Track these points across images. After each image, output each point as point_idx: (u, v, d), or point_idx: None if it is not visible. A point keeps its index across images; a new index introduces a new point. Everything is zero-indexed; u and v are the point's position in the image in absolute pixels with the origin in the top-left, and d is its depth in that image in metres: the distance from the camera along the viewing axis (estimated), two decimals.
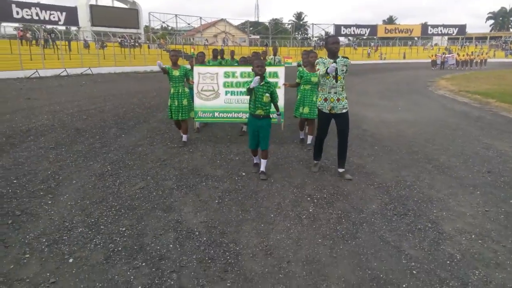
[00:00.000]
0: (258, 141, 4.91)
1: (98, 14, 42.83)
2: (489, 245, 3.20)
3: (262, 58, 8.80)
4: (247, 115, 5.19)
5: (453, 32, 68.38)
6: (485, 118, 9.70)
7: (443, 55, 33.54)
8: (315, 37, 67.78)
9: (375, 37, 66.90)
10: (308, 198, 4.22)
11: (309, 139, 6.55)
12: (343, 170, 4.98)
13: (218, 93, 7.11)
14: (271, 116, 4.99)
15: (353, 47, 63.66)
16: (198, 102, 7.12)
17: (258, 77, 4.56)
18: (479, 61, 35.15)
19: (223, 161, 5.68)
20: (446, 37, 70.75)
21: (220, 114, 7.17)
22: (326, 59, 4.72)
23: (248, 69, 6.91)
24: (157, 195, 4.28)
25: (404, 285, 2.64)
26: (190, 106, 6.78)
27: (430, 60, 35.44)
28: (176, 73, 6.44)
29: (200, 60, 8.11)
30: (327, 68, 4.42)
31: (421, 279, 2.70)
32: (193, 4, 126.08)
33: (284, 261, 2.93)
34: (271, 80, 6.22)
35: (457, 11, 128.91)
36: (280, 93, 6.66)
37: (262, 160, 4.98)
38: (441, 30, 68.95)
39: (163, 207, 3.96)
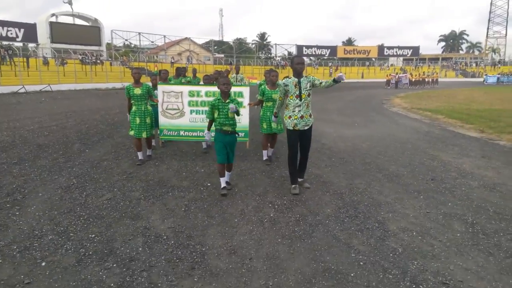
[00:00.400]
0: (226, 156, 4.96)
1: (58, 31, 41.95)
2: (427, 240, 3.63)
3: (226, 76, 9.08)
4: (213, 133, 5.16)
5: (408, 53, 72.55)
6: (433, 133, 10.51)
7: (397, 75, 35.54)
8: (278, 56, 69.57)
9: (335, 58, 69.57)
10: (270, 205, 4.54)
11: (270, 151, 6.89)
12: (302, 179, 5.27)
13: (183, 112, 7.20)
14: (237, 133, 5.14)
15: (314, 66, 65.85)
16: (163, 120, 7.19)
17: (209, 134, 5.03)
18: (431, 80, 37.54)
19: (188, 173, 5.91)
20: (401, 58, 74.76)
21: (185, 132, 7.28)
22: (290, 78, 4.94)
23: (213, 88, 7.09)
24: (124, 205, 4.44)
25: (352, 274, 2.99)
26: (153, 124, 6.78)
27: (385, 80, 37.45)
28: (138, 91, 6.38)
29: (164, 77, 8.20)
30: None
31: (367, 269, 3.07)
32: (158, 22, 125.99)
33: (246, 258, 3.21)
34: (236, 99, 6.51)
35: (411, 33, 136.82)
36: (245, 112, 6.95)
37: (227, 172, 5.10)
38: (396, 52, 72.95)
39: (131, 215, 4.14)
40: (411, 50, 72.07)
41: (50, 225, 3.81)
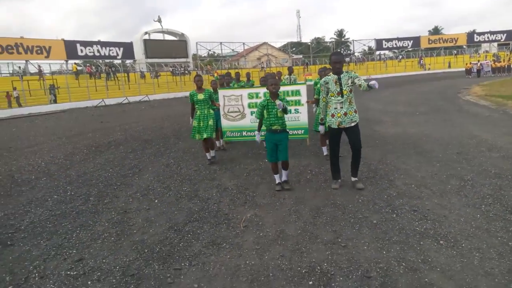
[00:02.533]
0: (276, 154, 5.01)
1: (151, 47, 47.34)
2: (421, 190, 4.81)
3: (276, 77, 9.36)
4: (263, 132, 5.21)
5: (501, 38, 66.45)
6: (492, 117, 10.84)
7: (479, 63, 33.51)
8: (358, 52, 68.79)
9: (418, 48, 66.52)
10: (308, 171, 6.00)
11: (324, 149, 6.81)
12: (356, 179, 5.07)
13: (244, 113, 7.61)
14: (287, 130, 5.08)
15: (397, 59, 63.89)
16: (225, 123, 7.67)
17: (259, 135, 5.11)
18: None
19: (253, 154, 7.60)
20: (495, 43, 68.58)
21: (247, 133, 7.69)
22: (329, 75, 4.86)
23: None
24: (205, 173, 6.29)
25: (350, 206, 4.36)
26: (215, 126, 7.03)
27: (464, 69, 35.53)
28: (200, 96, 6.72)
29: (226, 81, 8.90)
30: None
31: (363, 203, 4.39)
32: (238, 30, 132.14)
33: (281, 198, 4.76)
34: (293, 98, 7.25)
35: (509, 15, 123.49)
36: (304, 110, 7.27)
37: (283, 170, 5.13)
38: (488, 37, 67.32)
39: (210, 178, 5.96)
40: (505, 35, 66.00)
41: (158, 183, 5.80)
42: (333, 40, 77.48)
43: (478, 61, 36.71)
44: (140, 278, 3.04)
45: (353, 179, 5.09)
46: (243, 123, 7.69)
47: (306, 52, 66.75)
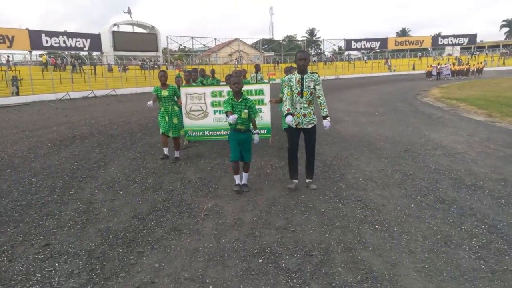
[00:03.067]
0: (239, 154, 4.96)
1: (120, 40, 46.31)
2: (367, 183, 5.30)
3: (242, 76, 9.07)
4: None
5: (464, 42, 69.55)
6: (443, 118, 11.67)
7: (439, 66, 35.25)
8: (328, 52, 70.13)
9: (385, 50, 68.62)
10: (269, 165, 6.40)
11: None
12: (310, 180, 5.14)
13: (207, 112, 7.51)
14: (251, 131, 5.03)
15: (364, 60, 65.74)
16: (187, 121, 7.52)
17: (235, 116, 4.66)
18: (475, 70, 36.74)
19: (218, 150, 7.91)
20: (458, 47, 71.68)
21: (210, 132, 7.62)
22: (293, 74, 4.85)
23: None
24: (171, 167, 6.55)
25: (302, 196, 4.77)
26: (180, 124, 7.09)
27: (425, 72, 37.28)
28: (165, 93, 6.64)
29: (193, 77, 8.70)
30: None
31: (315, 195, 4.82)
32: (210, 24, 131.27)
33: (243, 191, 5.11)
34: (256, 97, 7.25)
35: (472, 20, 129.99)
36: (267, 109, 7.32)
37: (244, 173, 5.11)
38: (451, 40, 70.20)
39: (175, 171, 6.24)
40: (467, 38, 69.09)
41: (124, 176, 6.01)
42: (304, 38, 78.65)
43: (438, 64, 38.52)
44: (105, 260, 3.30)
45: (307, 180, 5.16)
46: (206, 122, 7.59)
47: (277, 50, 67.39)
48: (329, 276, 2.93)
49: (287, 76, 5.03)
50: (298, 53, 4.85)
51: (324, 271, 3.01)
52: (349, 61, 63.66)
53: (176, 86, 7.20)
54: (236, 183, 5.09)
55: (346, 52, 68.38)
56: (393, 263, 3.10)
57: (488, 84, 27.11)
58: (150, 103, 6.46)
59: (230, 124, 4.88)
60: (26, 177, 6.17)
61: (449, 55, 69.43)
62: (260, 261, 3.20)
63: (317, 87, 4.79)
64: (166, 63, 47.80)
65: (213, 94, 7.51)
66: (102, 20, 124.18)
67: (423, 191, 4.85)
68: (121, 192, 5.22)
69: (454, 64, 38.77)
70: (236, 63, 51.60)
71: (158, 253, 3.41)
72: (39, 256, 3.42)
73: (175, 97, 6.89)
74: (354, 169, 6.02)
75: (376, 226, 3.81)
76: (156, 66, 43.18)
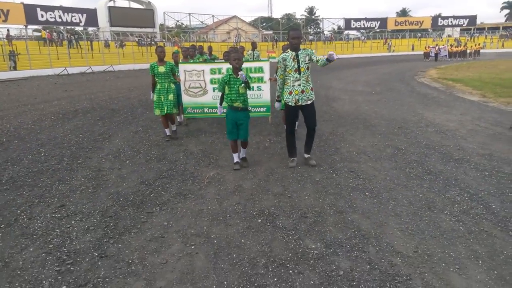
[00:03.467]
0: (236, 133, 4.99)
1: (116, 15, 45.69)
2: (360, 156, 5.59)
3: (240, 52, 9.23)
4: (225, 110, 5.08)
5: (464, 23, 69.01)
6: (438, 98, 11.92)
7: (437, 47, 35.22)
8: (327, 31, 69.51)
9: (385, 30, 68.07)
10: (268, 139, 6.67)
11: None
12: (309, 155, 5.22)
13: (206, 89, 7.48)
14: (249, 109, 5.09)
15: (362, 40, 65.32)
16: (186, 99, 7.51)
17: (222, 109, 5.01)
18: (472, 51, 36.76)
19: (218, 125, 8.15)
20: (458, 28, 71.17)
21: (209, 110, 7.60)
22: (287, 52, 4.86)
23: None
24: (173, 140, 6.81)
25: (299, 167, 5.07)
26: (176, 101, 6.92)
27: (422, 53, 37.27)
28: (161, 69, 6.53)
29: (185, 55, 8.58)
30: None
31: (311, 167, 5.11)
32: (208, 1, 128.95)
33: (245, 163, 5.40)
34: (256, 75, 7.23)
35: (474, 0, 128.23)
36: (266, 87, 7.28)
37: (242, 148, 5.19)
38: (451, 22, 69.59)
39: (177, 144, 6.51)
40: (467, 20, 68.49)
41: (128, 148, 6.28)
42: (303, 17, 77.74)
43: (436, 45, 38.46)
44: (117, 219, 3.61)
45: (306, 155, 5.21)
46: (205, 100, 7.58)
47: (276, 28, 66.66)
48: (321, 234, 3.25)
49: (280, 55, 4.98)
50: (291, 31, 4.83)
51: (317, 229, 3.32)
52: (348, 40, 63.20)
53: (173, 62, 7.16)
54: (235, 161, 5.11)
55: (345, 32, 67.81)
56: (380, 224, 3.41)
57: (485, 65, 27.20)
58: (151, 96, 6.69)
59: (227, 101, 4.91)
60: (34, 147, 6.42)
61: (449, 36, 69.05)
62: (259, 221, 3.51)
63: (313, 57, 4.80)
64: (163, 40, 47.35)
65: (212, 71, 7.46)
66: None
67: (412, 164, 5.15)
68: (127, 162, 5.50)
69: (451, 45, 38.64)
70: (235, 41, 51.13)
71: (166, 214, 3.71)
72: (56, 215, 3.72)
73: (172, 73, 6.77)
74: (349, 144, 6.30)
75: (366, 193, 4.12)
76: (153, 42, 42.81)
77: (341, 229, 3.32)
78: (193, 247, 3.07)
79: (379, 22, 68.07)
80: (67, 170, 5.15)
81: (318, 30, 73.34)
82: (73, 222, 3.56)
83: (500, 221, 3.43)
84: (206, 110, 7.63)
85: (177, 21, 54.19)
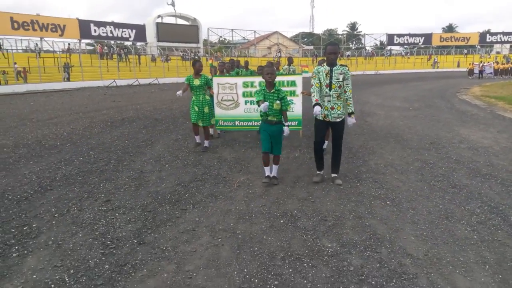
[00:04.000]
0: (270, 145, 4.98)
1: (164, 31, 48.02)
2: (387, 167, 5.73)
3: (275, 67, 9.38)
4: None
5: None
6: (477, 115, 11.68)
7: (481, 64, 33.96)
8: (369, 46, 68.96)
9: (429, 46, 66.51)
10: (298, 150, 6.95)
11: (325, 143, 6.29)
12: (335, 175, 5.10)
13: (238, 102, 7.52)
14: (283, 123, 4.97)
15: (404, 55, 64.14)
16: (218, 111, 7.57)
17: (267, 103, 4.71)
18: None
19: (251, 135, 8.54)
20: (508, 45, 68.21)
21: (240, 122, 7.64)
22: (323, 66, 4.81)
23: None
24: (209, 148, 7.25)
25: (326, 176, 5.31)
26: (211, 114, 7.13)
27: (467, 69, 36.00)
28: (197, 82, 6.76)
29: (221, 69, 8.83)
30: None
31: (339, 175, 5.34)
32: (250, 16, 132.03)
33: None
34: (288, 88, 7.21)
35: None
36: (298, 101, 7.23)
37: (273, 165, 5.12)
38: (500, 38, 66.97)
39: (213, 151, 6.95)
40: None
41: (168, 153, 6.79)
42: (345, 32, 77.65)
43: (481, 61, 37.08)
44: (155, 213, 4.03)
45: (333, 175, 5.12)
46: (237, 112, 7.60)
47: (317, 43, 66.97)
48: (338, 235, 3.48)
49: (315, 68, 4.91)
50: (328, 46, 4.76)
51: (334, 231, 3.57)
52: (390, 56, 62.27)
53: (208, 76, 7.23)
54: (266, 175, 5.06)
55: (388, 47, 66.89)
56: (396, 229, 3.60)
57: None
58: (179, 92, 6.70)
59: (261, 115, 4.95)
60: (84, 151, 7.09)
61: (497, 53, 66.19)
62: (281, 221, 3.80)
63: (345, 81, 4.74)
64: (207, 54, 48.98)
65: (245, 85, 7.49)
66: (146, 11, 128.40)
67: (438, 177, 5.25)
68: (166, 166, 5.99)
69: (497, 62, 37.10)
70: (276, 55, 51.91)
71: (198, 211, 4.09)
72: (102, 208, 4.21)
73: (207, 86, 6.94)
74: (377, 157, 6.46)
75: (388, 202, 4.30)
76: (197, 57, 44.43)
77: (357, 232, 3.54)
78: (219, 239, 3.42)
79: (423, 37, 66.67)
80: (113, 171, 5.70)
81: (360, 45, 72.81)
82: (117, 214, 4.03)
83: (494, 209, 3.51)
84: (237, 123, 7.66)
85: (220, 36, 55.93)
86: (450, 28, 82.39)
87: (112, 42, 45.51)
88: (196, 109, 6.84)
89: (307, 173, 5.51)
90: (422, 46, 67.26)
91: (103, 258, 3.12)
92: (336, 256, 3.11)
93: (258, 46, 60.18)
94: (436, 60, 58.98)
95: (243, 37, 57.80)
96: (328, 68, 4.74)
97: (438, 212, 4.02)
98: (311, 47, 65.86)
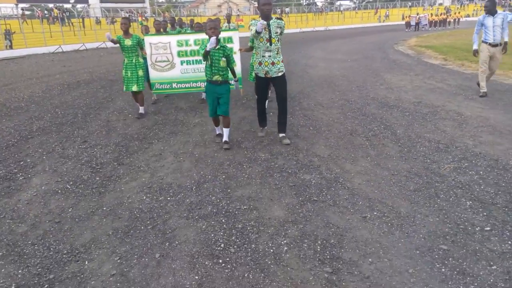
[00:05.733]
0: (217, 108, 4.86)
1: None
2: (316, 106, 6.99)
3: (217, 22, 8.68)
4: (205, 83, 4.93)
5: None
6: (405, 63, 13.26)
7: (418, 16, 36.08)
8: (321, 1, 69.65)
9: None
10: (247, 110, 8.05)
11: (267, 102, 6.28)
12: (283, 135, 5.01)
13: (174, 63, 7.08)
14: (229, 82, 4.87)
15: (354, 10, 65.67)
16: (153, 73, 7.12)
17: (214, 37, 4.32)
18: (452, 20, 37.77)
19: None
20: None
21: (178, 84, 7.21)
22: (258, 20, 4.50)
23: (202, 35, 6.72)
24: (166, 99, 8.14)
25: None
26: (145, 77, 6.79)
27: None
28: (128, 42, 6.21)
29: (157, 28, 8.34)
30: (257, 27, 4.31)
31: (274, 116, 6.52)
32: None
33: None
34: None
35: None
36: (237, 58, 6.62)
37: (224, 129, 4.96)
38: None
39: (170, 102, 7.86)
40: None
41: (129, 106, 7.64)
42: None
43: (417, 14, 39.23)
44: (127, 147, 5.05)
45: (280, 135, 5.03)
46: (173, 74, 7.17)
47: None
48: (270, 150, 4.70)
49: (252, 20, 4.61)
50: None
51: (267, 148, 4.78)
52: (339, 11, 63.57)
53: (139, 36, 6.72)
54: (217, 133, 5.23)
55: (338, 2, 68.01)
56: (312, 143, 4.88)
57: (466, 33, 28.33)
58: (108, 34, 6.19)
59: (206, 74, 4.77)
60: (50, 109, 7.76)
61: (440, 4, 69.31)
62: (226, 146, 4.95)
63: (282, 31, 4.67)
64: (154, 15, 47.71)
65: (179, 43, 7.02)
66: None
67: (354, 110, 6.60)
68: (130, 115, 6.90)
69: (432, 14, 39.46)
70: (226, 14, 51.32)
71: (162, 143, 5.15)
72: (82, 146, 5.15)
73: (140, 47, 6.49)
74: (310, 99, 7.71)
75: (310, 128, 5.57)
76: (143, 18, 43.25)
77: (284, 147, 4.77)
78: (181, 158, 4.53)
79: None
80: (82, 122, 6.53)
81: (311, 1, 73.26)
82: (95, 149, 5.00)
83: (398, 140, 4.89)
84: (174, 85, 7.25)
85: None
86: None
87: (51, 5, 42.99)
88: (129, 74, 6.43)
89: (249, 113, 6.65)
90: (371, 0, 68.96)
91: (93, 174, 4.14)
92: (266, 160, 4.32)
93: (207, 5, 59.05)
94: (387, 13, 61.05)
95: None
96: (265, 22, 4.50)
97: (346, 130, 5.35)
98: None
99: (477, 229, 2.79)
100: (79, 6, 46.13)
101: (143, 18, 39.93)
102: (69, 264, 2.58)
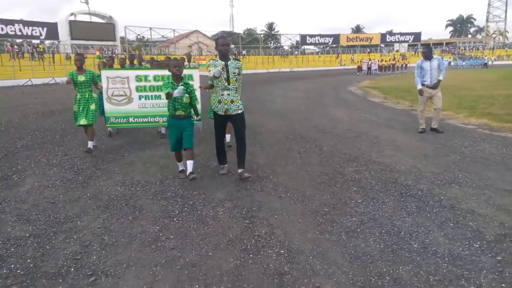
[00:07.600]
0: (180, 143, 4.85)
1: (77, 29, 47.13)
2: (266, 131, 8.31)
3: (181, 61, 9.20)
4: (164, 118, 5.15)
5: (410, 39, 75.68)
6: (350, 100, 15.09)
7: (370, 61, 39.47)
8: (286, 45, 73.89)
9: (338, 45, 73.13)
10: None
11: (228, 137, 6.55)
12: (243, 170, 4.93)
13: (131, 98, 7.07)
14: (192, 117, 4.91)
15: (317, 54, 70.01)
16: (109, 107, 7.08)
17: (182, 87, 4.52)
18: (400, 66, 41.77)
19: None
20: (406, 44, 77.46)
21: (135, 119, 7.19)
22: (217, 61, 4.68)
23: (162, 72, 6.93)
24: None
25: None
26: (100, 111, 6.84)
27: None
28: (81, 78, 6.18)
29: (109, 64, 8.64)
30: (214, 73, 4.48)
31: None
32: (169, 15, 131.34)
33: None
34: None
35: (423, 18, 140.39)
36: (197, 95, 5.98)
37: (188, 161, 4.84)
38: (398, 38, 76.17)
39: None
40: (412, 36, 75.14)
41: (103, 131, 8.67)
42: (263, 32, 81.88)
43: (369, 59, 42.82)
44: (103, 158, 6.07)
45: (239, 170, 4.94)
46: (130, 108, 7.15)
47: (237, 42, 69.98)
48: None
49: (210, 61, 4.79)
50: (220, 39, 4.76)
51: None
52: (303, 54, 67.59)
53: (94, 71, 6.70)
54: (180, 169, 5.19)
55: (302, 47, 72.36)
56: (255, 155, 6.10)
57: (413, 76, 31.33)
58: (65, 79, 6.39)
59: (169, 109, 4.78)
60: (30, 132, 8.65)
61: (397, 51, 75.21)
62: (192, 176, 6.09)
63: (240, 72, 4.85)
64: (125, 52, 49.10)
65: (138, 79, 7.09)
66: (55, 8, 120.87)
67: (295, 134, 7.98)
68: (103, 137, 7.92)
69: (382, 60, 43.34)
70: (196, 54, 53.61)
71: (133, 156, 6.22)
72: (64, 158, 6.15)
73: (94, 83, 6.49)
74: (262, 126, 9.04)
75: (256, 145, 6.84)
76: (114, 55, 44.52)
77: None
78: (148, 165, 5.63)
79: (332, 38, 73.28)
80: (61, 142, 7.50)
81: (278, 44, 77.42)
82: (76, 160, 6.01)
83: (322, 154, 6.23)
84: (131, 119, 7.22)
85: (138, 34, 56.13)
86: (358, 29, 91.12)
87: (20, 40, 43.55)
88: (80, 109, 6.28)
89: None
90: (334, 45, 73.85)
91: (76, 175, 5.18)
92: (217, 167, 5.49)
93: (178, 45, 61.30)
94: (352, 58, 65.44)
95: (162, 36, 58.60)
96: (223, 62, 4.65)
97: (284, 148, 6.68)
98: (232, 46, 68.58)
99: (353, 201, 4.07)
100: (47, 42, 46.89)
101: (102, 53, 40.83)
102: (66, 223, 3.60)
